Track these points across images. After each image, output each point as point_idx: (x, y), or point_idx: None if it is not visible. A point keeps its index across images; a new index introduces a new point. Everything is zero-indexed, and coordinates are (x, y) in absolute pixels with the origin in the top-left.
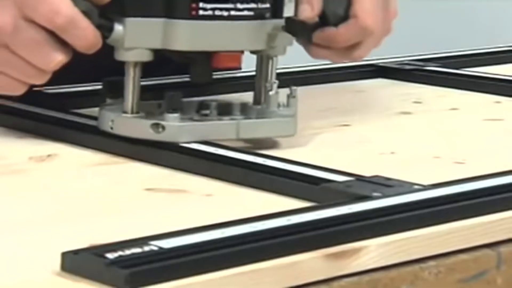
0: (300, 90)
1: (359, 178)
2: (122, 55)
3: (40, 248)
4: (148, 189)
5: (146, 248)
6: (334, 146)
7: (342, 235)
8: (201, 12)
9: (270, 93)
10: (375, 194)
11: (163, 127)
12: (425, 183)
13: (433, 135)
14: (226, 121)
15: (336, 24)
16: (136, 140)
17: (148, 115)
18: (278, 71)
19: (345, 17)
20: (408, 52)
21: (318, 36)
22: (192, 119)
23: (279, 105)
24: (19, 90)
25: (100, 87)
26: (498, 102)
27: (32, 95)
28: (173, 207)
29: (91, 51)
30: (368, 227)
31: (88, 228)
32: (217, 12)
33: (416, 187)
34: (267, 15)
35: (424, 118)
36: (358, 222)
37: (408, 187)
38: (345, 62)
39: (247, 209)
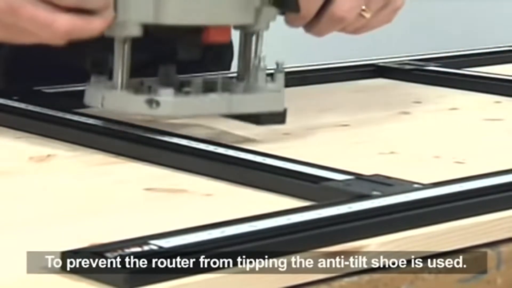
0: (300, 90)
1: (359, 177)
2: (112, 30)
3: (40, 248)
4: (148, 189)
5: (146, 248)
6: (334, 146)
7: (342, 234)
8: None
9: (259, 68)
10: (375, 193)
11: (158, 102)
12: (425, 182)
13: (433, 135)
14: (218, 96)
15: None
16: (136, 140)
17: (138, 91)
18: None
19: None
20: (408, 52)
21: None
22: (182, 94)
23: (266, 81)
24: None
25: None
26: (498, 102)
27: (32, 95)
28: (173, 206)
29: (109, 12)
30: (368, 226)
31: (88, 228)
32: None
33: (416, 186)
34: None
35: (424, 118)
36: (358, 221)
37: (408, 186)
38: (361, 32)
39: (246, 208)
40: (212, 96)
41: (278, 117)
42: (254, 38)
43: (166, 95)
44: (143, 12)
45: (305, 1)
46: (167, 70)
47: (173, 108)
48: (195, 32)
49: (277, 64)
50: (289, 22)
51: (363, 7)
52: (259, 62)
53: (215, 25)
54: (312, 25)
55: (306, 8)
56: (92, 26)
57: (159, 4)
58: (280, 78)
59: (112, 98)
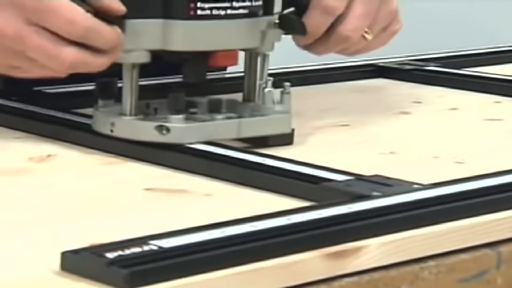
0: (300, 90)
1: (359, 177)
2: (121, 57)
3: (40, 248)
4: (148, 189)
5: (146, 248)
6: (334, 146)
7: (342, 234)
8: (199, 12)
9: (266, 90)
10: (374, 193)
11: (168, 129)
12: (425, 182)
13: (433, 135)
14: (228, 121)
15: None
16: (136, 140)
17: (146, 116)
18: (278, 71)
19: None
20: (408, 52)
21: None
22: (187, 119)
23: (273, 102)
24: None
25: None
26: (498, 102)
27: (32, 95)
28: (173, 207)
29: (117, 51)
30: (368, 227)
31: (88, 228)
32: (215, 12)
33: (415, 186)
34: (260, 12)
35: (424, 118)
36: (358, 221)
37: (407, 186)
38: (361, 53)
39: (246, 209)
40: (221, 120)
41: (286, 139)
42: (259, 59)
43: (176, 122)
44: (151, 39)
45: (315, 20)
46: (176, 96)
47: (183, 134)
48: (202, 56)
49: (284, 86)
50: (296, 41)
51: (366, 29)
52: (266, 83)
53: (222, 50)
54: (316, 44)
55: (316, 26)
56: (97, 62)
57: (166, 32)
58: (288, 100)
59: (122, 125)
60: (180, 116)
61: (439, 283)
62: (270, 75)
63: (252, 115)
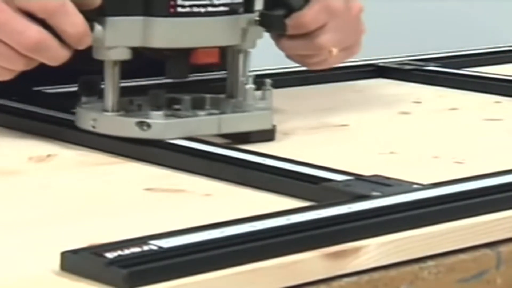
0: (300, 90)
1: (359, 177)
2: (102, 55)
3: (40, 248)
4: (147, 189)
5: (146, 248)
6: (333, 146)
7: (342, 234)
8: (179, 9)
9: (247, 86)
10: (374, 193)
11: (148, 125)
12: (425, 182)
13: (433, 135)
14: (208, 117)
15: (300, 10)
16: (136, 140)
17: (128, 112)
18: (278, 71)
19: (307, 1)
20: (408, 52)
21: (287, 24)
22: (169, 115)
23: (255, 99)
24: (4, 76)
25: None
26: (498, 102)
27: (32, 95)
28: (172, 207)
29: (80, 41)
30: (368, 227)
31: (88, 228)
32: (195, 9)
33: (415, 186)
34: (241, 10)
35: (424, 118)
36: (358, 221)
37: (407, 186)
38: (316, 67)
39: (246, 209)
40: (202, 117)
41: (267, 135)
42: (241, 56)
43: (156, 118)
44: (132, 37)
45: (313, 14)
46: (156, 93)
47: (164, 130)
48: (184, 53)
49: (266, 82)
50: (273, 39)
51: (335, 44)
52: (247, 80)
53: (203, 47)
54: (287, 38)
55: (311, 21)
56: (60, 51)
57: (147, 29)
58: (269, 96)
59: (104, 121)
60: (161, 112)
61: (439, 283)
62: (271, 75)
63: (233, 112)
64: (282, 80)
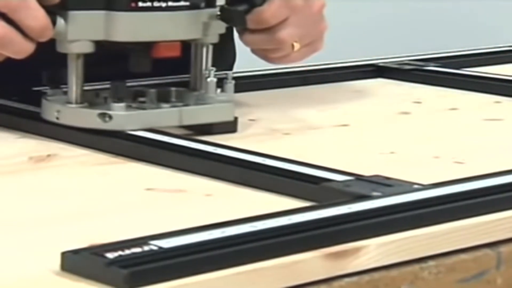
0: (300, 90)
1: (359, 177)
2: (65, 48)
3: (40, 248)
4: (148, 189)
5: (146, 248)
6: (334, 146)
7: (342, 234)
8: (140, 4)
9: (208, 79)
10: (374, 193)
11: (110, 116)
12: (425, 182)
13: (433, 135)
14: (169, 109)
15: (261, 5)
16: (136, 140)
17: (92, 104)
18: (278, 71)
19: None
20: (408, 52)
21: (248, 19)
22: (132, 107)
23: (216, 91)
24: None
25: (101, 87)
26: (498, 102)
27: (32, 95)
28: (173, 207)
29: (42, 34)
30: (368, 227)
31: (88, 228)
32: (156, 4)
33: (415, 186)
34: (202, 5)
35: (424, 118)
36: (358, 221)
37: (407, 186)
38: (278, 62)
39: (247, 209)
40: (164, 109)
41: (230, 126)
42: (204, 50)
43: (118, 109)
44: (95, 30)
45: (274, 9)
46: (117, 85)
47: (125, 121)
48: (145, 47)
49: (227, 75)
50: (238, 34)
51: (296, 39)
52: (209, 73)
53: (164, 41)
54: (249, 32)
55: (272, 16)
56: (24, 44)
57: (109, 23)
58: (230, 89)
59: (67, 113)
60: (122, 104)
61: (439, 283)
62: (271, 75)
63: (196, 104)
64: (282, 80)
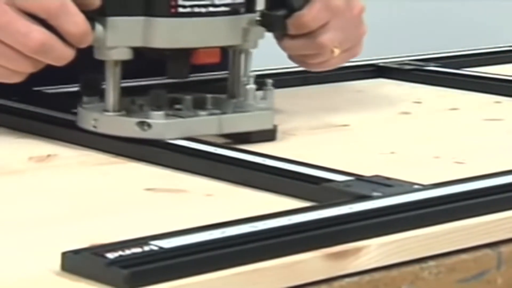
0: (300, 90)
1: (359, 177)
2: (103, 54)
3: (41, 248)
4: (148, 189)
5: (146, 248)
6: (334, 146)
7: (343, 234)
8: (180, 10)
9: (248, 86)
10: (375, 193)
11: (149, 125)
12: (425, 183)
13: (433, 135)
14: (208, 117)
15: (301, 9)
16: (136, 140)
17: (129, 112)
18: (279, 71)
19: (308, 1)
20: (408, 52)
21: (288, 23)
22: (170, 115)
23: (255, 99)
24: (12, 78)
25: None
26: (498, 102)
27: (32, 95)
28: (173, 207)
29: (82, 40)
30: (369, 227)
31: (88, 228)
32: (196, 9)
33: (416, 187)
34: (242, 10)
35: (424, 118)
36: (359, 221)
37: (408, 187)
38: (317, 68)
39: (247, 209)
40: (203, 117)
41: (269, 134)
42: (243, 56)
43: (157, 118)
44: (133, 36)
45: (315, 13)
46: (157, 93)
47: (164, 130)
48: (184, 53)
49: (267, 82)
50: (276, 39)
51: (337, 44)
52: (248, 80)
53: (203, 47)
54: (289, 38)
55: (313, 20)
56: (65, 50)
57: (148, 29)
58: (270, 96)
59: (105, 121)
60: (161, 112)
61: (439, 283)
62: (271, 75)
63: (234, 112)
64: (283, 80)
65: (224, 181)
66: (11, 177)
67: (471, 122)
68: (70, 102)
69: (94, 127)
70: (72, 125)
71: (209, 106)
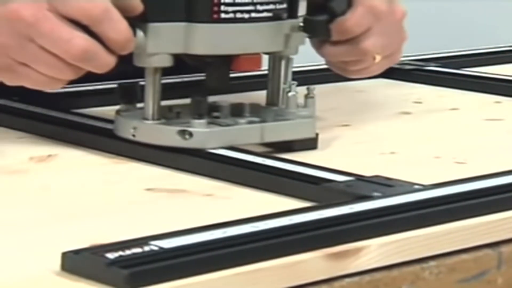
0: (300, 90)
1: (360, 178)
2: (143, 61)
3: (41, 248)
4: (148, 189)
5: (146, 248)
6: (334, 146)
7: (343, 235)
8: (222, 15)
9: (290, 94)
10: (375, 194)
11: (191, 134)
12: (426, 183)
13: (433, 135)
14: (250, 125)
15: (343, 14)
16: (136, 141)
17: (168, 120)
18: None
19: (350, 5)
20: (408, 52)
21: (331, 29)
22: (210, 123)
23: (297, 106)
24: (53, 86)
25: (100, 87)
26: (498, 102)
27: (32, 95)
28: (173, 207)
29: (125, 47)
30: (369, 227)
31: (89, 228)
32: (238, 15)
33: (416, 187)
34: (284, 15)
35: (424, 118)
36: (359, 222)
37: (408, 187)
38: (357, 75)
39: (247, 209)
40: (244, 125)
41: (310, 143)
42: (283, 63)
43: (199, 126)
44: (174, 43)
45: (358, 17)
46: (199, 100)
47: (206, 139)
48: (225, 60)
49: (308, 89)
50: (314, 46)
51: (379, 50)
52: (290, 87)
53: (245, 54)
54: (331, 44)
55: (356, 24)
56: (106, 58)
57: (189, 35)
58: (312, 104)
59: (144, 130)
60: (203, 121)
61: (440, 283)
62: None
63: (275, 120)
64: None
65: (224, 181)
66: (11, 177)
67: (471, 122)
68: (70, 102)
69: (133, 135)
70: (72, 126)
71: (247, 114)
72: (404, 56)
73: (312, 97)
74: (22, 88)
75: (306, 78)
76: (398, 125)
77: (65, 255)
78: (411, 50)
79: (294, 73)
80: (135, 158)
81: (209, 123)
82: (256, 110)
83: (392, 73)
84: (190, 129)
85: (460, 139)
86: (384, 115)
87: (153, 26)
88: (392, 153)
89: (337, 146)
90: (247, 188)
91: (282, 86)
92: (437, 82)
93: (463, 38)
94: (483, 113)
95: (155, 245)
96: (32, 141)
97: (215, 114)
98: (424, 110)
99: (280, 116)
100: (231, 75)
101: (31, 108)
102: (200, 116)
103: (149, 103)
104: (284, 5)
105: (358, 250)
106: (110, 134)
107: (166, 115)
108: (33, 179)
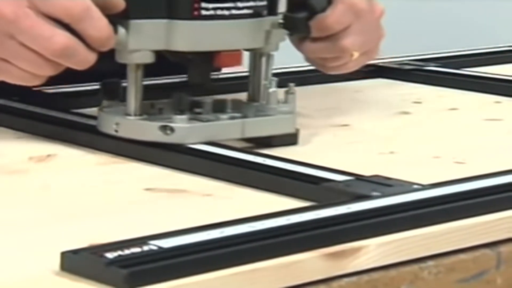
0: (300, 90)
1: (359, 177)
2: (125, 58)
3: (40, 248)
4: (148, 189)
5: (145, 248)
6: (334, 146)
7: (342, 234)
8: (203, 12)
9: (270, 90)
10: (374, 193)
11: (172, 129)
12: (425, 182)
13: (432, 135)
14: (231, 121)
15: (323, 11)
16: (136, 141)
17: (150, 116)
18: (278, 71)
19: (330, 2)
20: (408, 52)
21: (311, 26)
22: (191, 119)
23: (278, 102)
24: (33, 81)
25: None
26: (498, 102)
27: (32, 95)
28: (172, 207)
29: (105, 44)
30: (368, 227)
31: (88, 228)
32: (219, 12)
33: (415, 186)
34: (264, 12)
35: (424, 118)
36: (358, 221)
37: (407, 186)
38: (335, 71)
39: (246, 209)
40: (225, 121)
41: (290, 139)
42: (264, 59)
43: (180, 122)
44: (155, 40)
45: (338, 15)
46: (181, 95)
47: (187, 134)
48: (207, 56)
49: (289, 86)
50: (293, 42)
51: (357, 47)
52: (270, 83)
53: (226, 50)
54: (310, 41)
55: (337, 22)
56: (87, 55)
57: (170, 32)
58: (292, 100)
59: (127, 125)
60: (184, 116)
61: (439, 283)
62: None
63: (256, 115)
64: (282, 80)
65: (224, 181)
66: (11, 177)
67: (471, 122)
68: (70, 102)
69: (116, 131)
70: (72, 125)
71: (228, 110)
72: (404, 56)
73: (292, 93)
74: (22, 88)
75: (306, 78)
76: (398, 125)
77: (64, 255)
78: (411, 50)
79: (294, 73)
80: (135, 158)
81: (191, 118)
82: (237, 106)
83: (392, 73)
84: (171, 124)
85: (459, 139)
86: (384, 115)
87: (134, 23)
88: (392, 153)
89: (337, 145)
90: (247, 188)
91: (263, 82)
92: (437, 82)
93: (463, 38)
94: (483, 113)
95: (154, 244)
96: (32, 141)
97: (197, 110)
98: (423, 110)
99: (261, 112)
100: (213, 77)
101: (30, 108)
102: (181, 112)
103: (131, 99)
104: (264, 2)
105: (357, 250)
106: (110, 134)
107: (148, 111)
108: (33, 179)
